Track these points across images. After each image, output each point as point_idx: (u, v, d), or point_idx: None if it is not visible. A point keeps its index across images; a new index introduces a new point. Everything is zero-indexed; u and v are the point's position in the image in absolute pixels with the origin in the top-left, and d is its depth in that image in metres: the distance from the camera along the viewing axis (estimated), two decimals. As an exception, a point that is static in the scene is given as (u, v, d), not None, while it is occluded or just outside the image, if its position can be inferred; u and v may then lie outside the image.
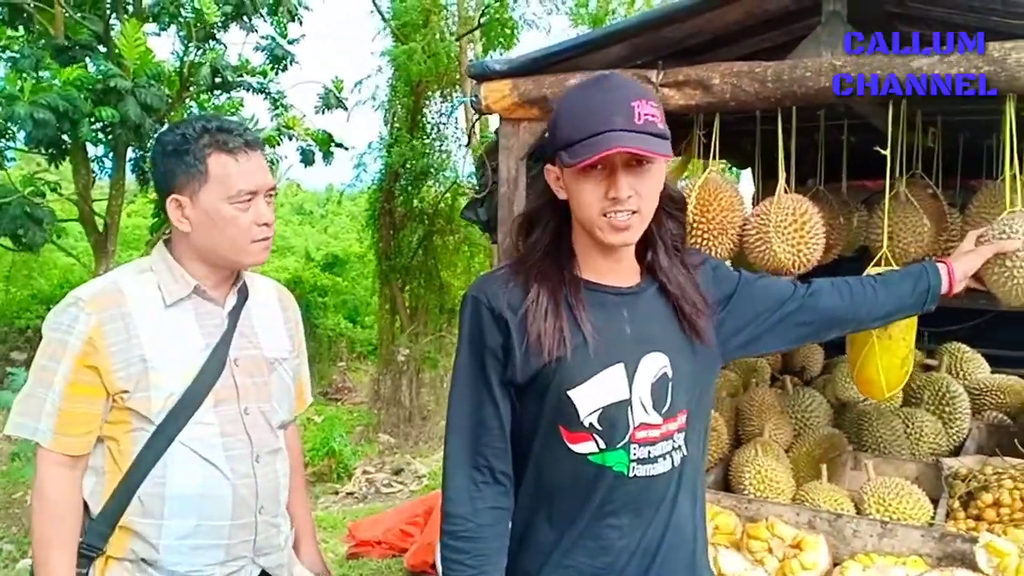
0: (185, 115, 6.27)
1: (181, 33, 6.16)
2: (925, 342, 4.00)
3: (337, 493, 6.60)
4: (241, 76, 6.46)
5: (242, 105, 6.86)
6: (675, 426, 1.64)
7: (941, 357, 3.78)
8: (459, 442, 1.64)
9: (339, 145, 6.75)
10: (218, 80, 6.15)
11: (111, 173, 6.18)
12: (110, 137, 5.70)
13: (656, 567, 1.65)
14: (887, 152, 2.28)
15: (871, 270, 2.41)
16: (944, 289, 2.03)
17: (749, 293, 1.80)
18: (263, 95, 6.70)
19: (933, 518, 2.62)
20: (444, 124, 8.20)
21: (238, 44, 7.04)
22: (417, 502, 5.59)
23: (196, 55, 6.20)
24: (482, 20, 8.04)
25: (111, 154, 6.10)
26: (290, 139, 6.70)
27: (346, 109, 6.75)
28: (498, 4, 8.02)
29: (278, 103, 6.71)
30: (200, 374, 1.82)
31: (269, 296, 2.07)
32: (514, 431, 1.65)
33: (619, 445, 1.59)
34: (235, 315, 1.92)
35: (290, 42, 6.60)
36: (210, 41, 6.29)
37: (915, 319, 2.35)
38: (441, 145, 8.40)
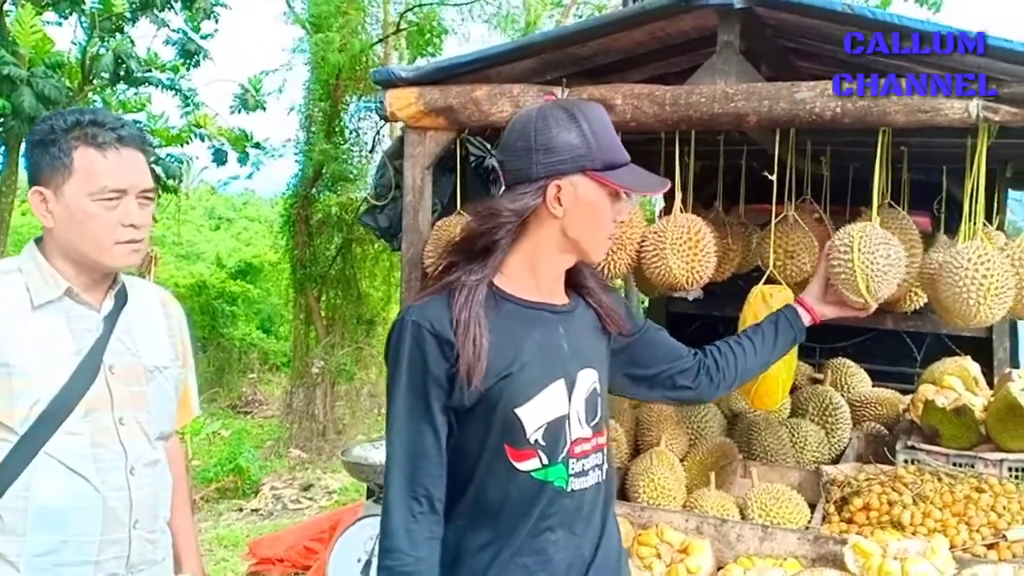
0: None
1: (84, 23, 5.89)
2: (817, 357, 4.24)
3: (242, 510, 6.45)
4: (149, 70, 6.20)
5: (149, 101, 6.56)
6: (604, 439, 1.74)
7: (827, 372, 4.00)
8: (400, 474, 1.63)
9: (256, 145, 6.58)
10: (122, 72, 5.88)
11: (1, 167, 5.89)
12: (1, 129, 5.45)
13: None
14: (774, 178, 2.43)
15: (760, 286, 2.57)
16: (808, 320, 2.21)
17: (652, 339, 1.95)
18: (173, 92, 6.44)
19: (810, 522, 2.77)
20: (363, 129, 8.10)
21: (147, 38, 6.70)
22: (323, 518, 5.50)
23: (100, 47, 5.91)
24: (401, 25, 7.97)
25: (2, 147, 5.82)
26: (202, 139, 6.48)
27: (265, 109, 6.59)
28: (424, 11, 7.97)
29: (189, 100, 6.49)
30: (70, 381, 1.71)
31: (151, 302, 1.97)
32: (455, 454, 1.66)
33: (559, 459, 1.65)
34: (111, 320, 1.82)
35: (203, 37, 6.38)
36: (117, 34, 6.00)
37: None
38: (360, 150, 8.28)
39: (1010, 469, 3.02)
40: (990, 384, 3.81)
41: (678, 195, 2.52)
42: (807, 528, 2.70)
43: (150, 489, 1.86)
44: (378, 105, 2.59)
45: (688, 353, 2.01)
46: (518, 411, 1.61)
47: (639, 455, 3.19)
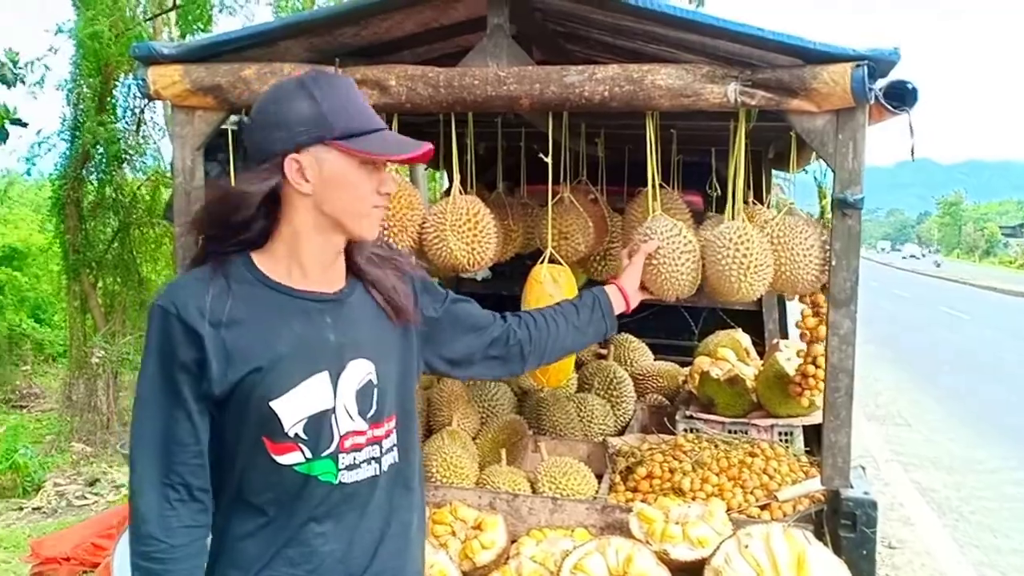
0: None
1: None
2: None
3: (22, 509, 6.07)
4: None
5: None
6: (382, 431, 1.67)
7: (611, 347, 4.15)
8: (149, 460, 1.54)
9: (16, 121, 6.05)
10: None
11: None
12: None
13: (367, 571, 1.66)
14: (549, 159, 2.46)
15: (538, 267, 2.61)
16: (621, 308, 2.25)
17: (456, 313, 1.89)
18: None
19: (597, 492, 2.87)
20: (140, 108, 7.62)
21: None
22: (110, 513, 5.24)
23: None
24: (178, 1, 7.61)
25: None
26: None
27: (24, 83, 6.05)
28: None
29: None
30: None
31: None
32: (215, 444, 1.59)
33: (325, 454, 1.59)
34: None
35: None
36: None
37: None
38: (139, 130, 7.83)
39: (780, 433, 3.24)
40: (761, 354, 4.08)
41: (456, 177, 2.50)
42: (595, 498, 2.79)
43: None
44: (140, 83, 2.42)
45: (494, 320, 1.98)
46: (274, 404, 1.54)
47: (432, 435, 3.19)
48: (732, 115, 2.36)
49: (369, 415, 1.64)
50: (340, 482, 1.61)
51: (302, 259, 1.60)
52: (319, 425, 1.58)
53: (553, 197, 2.81)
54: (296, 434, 1.56)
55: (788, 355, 3.33)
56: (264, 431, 1.55)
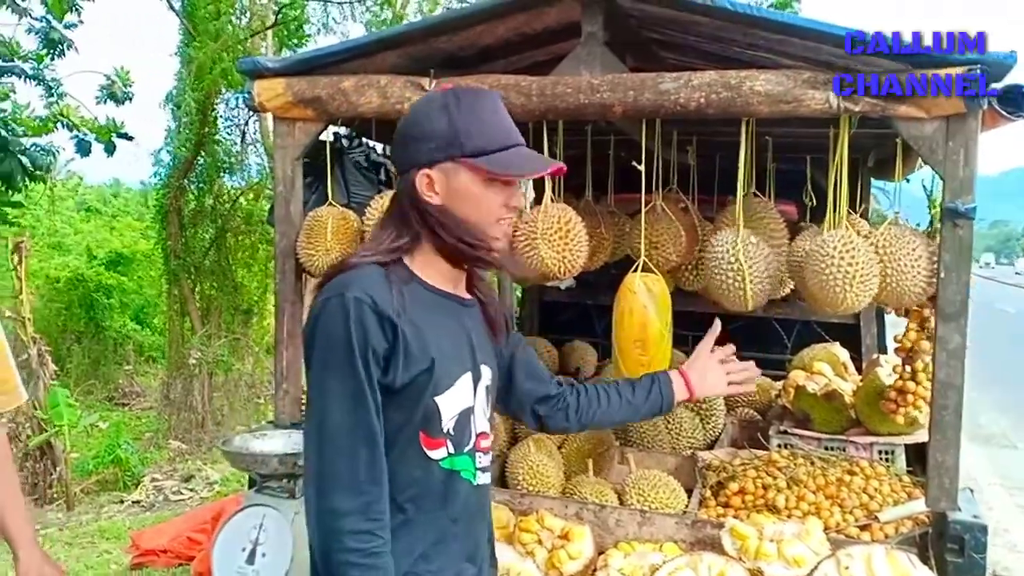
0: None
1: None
2: (689, 345, 4.28)
3: (123, 502, 6.30)
4: (11, 60, 5.94)
5: (13, 91, 6.28)
6: (492, 436, 1.76)
7: (700, 359, 4.04)
8: (362, 455, 1.54)
9: (123, 135, 6.35)
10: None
11: None
12: None
13: (479, 569, 1.73)
14: (642, 167, 2.43)
15: (631, 276, 2.58)
16: (684, 396, 2.10)
17: (524, 357, 1.94)
18: (36, 82, 6.19)
19: (687, 507, 2.81)
20: (237, 119, 7.96)
21: (8, 27, 6.41)
22: (205, 508, 5.41)
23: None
24: (278, 18, 7.85)
25: None
26: (70, 129, 6.27)
27: (131, 100, 6.35)
28: (291, 3, 7.84)
29: (53, 91, 6.24)
30: None
31: None
32: None
33: (466, 450, 1.66)
34: None
35: (67, 27, 6.16)
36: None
37: (669, 317, 2.55)
38: (242, 140, 8.17)
39: (880, 452, 3.11)
40: (858, 369, 3.94)
41: (548, 185, 2.50)
42: (684, 513, 2.74)
43: None
44: (246, 96, 2.52)
45: (552, 380, 2.02)
46: (438, 399, 1.60)
47: (517, 443, 3.19)
48: (831, 121, 2.30)
49: (487, 417, 1.72)
50: (477, 483, 1.69)
51: (440, 264, 1.67)
52: (465, 422, 1.65)
53: (643, 205, 2.77)
54: (448, 430, 1.62)
55: (889, 370, 3.20)
56: (424, 425, 1.61)
